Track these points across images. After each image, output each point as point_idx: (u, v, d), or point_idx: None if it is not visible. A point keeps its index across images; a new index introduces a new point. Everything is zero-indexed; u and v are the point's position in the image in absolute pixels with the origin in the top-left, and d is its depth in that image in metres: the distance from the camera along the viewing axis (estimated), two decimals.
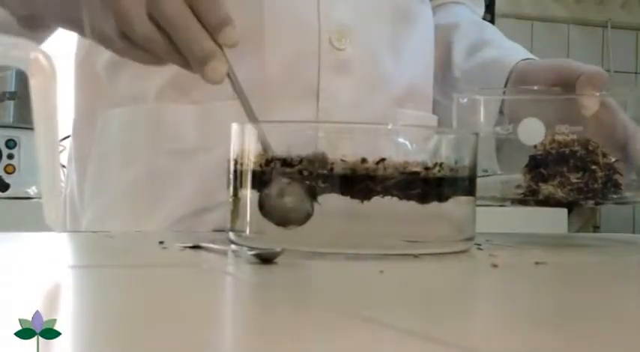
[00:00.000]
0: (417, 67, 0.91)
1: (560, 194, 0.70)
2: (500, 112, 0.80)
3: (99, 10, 0.58)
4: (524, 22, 2.50)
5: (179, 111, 0.81)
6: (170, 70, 0.80)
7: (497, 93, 0.83)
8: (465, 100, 0.78)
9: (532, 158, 0.72)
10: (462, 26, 0.98)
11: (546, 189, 0.70)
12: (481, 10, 1.07)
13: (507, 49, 0.93)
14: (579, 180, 0.70)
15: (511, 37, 0.99)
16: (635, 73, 2.66)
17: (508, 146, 0.75)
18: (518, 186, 0.72)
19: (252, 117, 0.62)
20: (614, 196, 0.71)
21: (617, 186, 0.71)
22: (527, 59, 0.88)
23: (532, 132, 0.72)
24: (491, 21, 2.13)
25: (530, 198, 0.71)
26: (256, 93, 0.79)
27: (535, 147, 0.72)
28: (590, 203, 0.73)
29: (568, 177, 0.70)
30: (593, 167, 0.70)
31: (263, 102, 0.79)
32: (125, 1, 0.57)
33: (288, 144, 0.58)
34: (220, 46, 0.60)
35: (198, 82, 0.81)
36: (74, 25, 0.62)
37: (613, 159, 0.71)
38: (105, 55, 0.84)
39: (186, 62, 0.60)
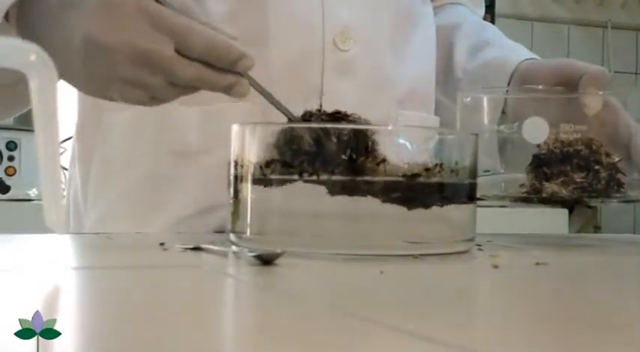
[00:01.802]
0: (419, 68, 0.91)
1: (564, 193, 0.70)
2: (503, 112, 0.80)
3: (128, 88, 0.64)
4: (525, 22, 2.50)
5: (183, 113, 0.81)
6: None
7: (501, 92, 0.83)
8: (469, 99, 0.78)
9: (536, 157, 0.72)
10: (463, 27, 0.98)
11: (550, 187, 0.70)
12: (481, 10, 1.07)
13: (510, 49, 0.93)
14: (583, 180, 0.70)
15: (511, 38, 0.99)
16: (636, 73, 2.66)
17: (511, 145, 0.76)
18: (522, 185, 0.72)
19: (287, 113, 0.66)
20: (617, 195, 0.71)
21: (620, 185, 0.71)
22: (530, 59, 0.88)
23: (536, 131, 0.73)
24: (492, 21, 2.13)
25: (534, 196, 0.71)
26: (259, 94, 0.79)
27: (539, 146, 0.72)
28: (594, 202, 0.73)
29: (572, 177, 0.70)
30: (597, 166, 0.70)
31: (266, 103, 0.79)
32: (147, 81, 0.63)
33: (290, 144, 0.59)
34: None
35: None
36: (106, 98, 0.67)
37: (616, 159, 0.71)
38: None
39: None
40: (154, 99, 0.65)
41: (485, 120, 0.77)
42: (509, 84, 0.87)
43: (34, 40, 0.68)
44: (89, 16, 0.63)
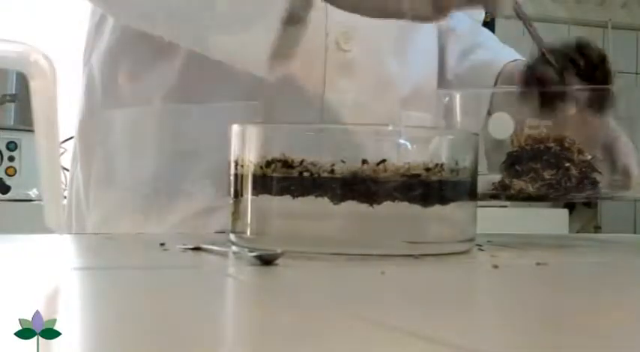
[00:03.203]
0: (421, 68, 0.91)
1: (530, 189, 0.70)
2: (489, 113, 0.80)
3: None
4: None
5: (185, 112, 0.81)
6: (175, 72, 0.80)
7: (477, 90, 0.84)
8: (447, 99, 0.78)
9: (509, 155, 0.72)
10: (455, 30, 0.99)
11: (518, 184, 0.70)
12: (480, 15, 1.07)
13: (498, 52, 0.94)
14: (552, 177, 0.70)
15: (511, 38, 0.99)
16: (636, 73, 2.66)
17: (493, 145, 0.76)
18: (493, 184, 0.72)
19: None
20: (590, 192, 0.71)
21: (594, 183, 0.71)
22: (516, 60, 0.89)
23: (501, 126, 0.73)
24: (492, 22, 2.13)
25: (501, 193, 0.71)
26: (263, 94, 0.79)
27: (512, 143, 0.72)
28: (563, 198, 0.73)
29: (541, 174, 0.70)
30: (567, 164, 0.70)
31: (269, 103, 0.79)
32: None
33: (290, 145, 0.59)
34: None
35: (203, 83, 0.82)
36: (387, 15, 0.66)
37: (589, 157, 0.71)
38: (109, 56, 0.85)
39: None
40: (437, 10, 0.64)
41: (466, 119, 0.77)
42: (496, 85, 0.87)
43: None
44: None
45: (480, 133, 0.76)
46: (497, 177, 0.73)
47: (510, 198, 0.72)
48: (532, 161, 0.70)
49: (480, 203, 0.63)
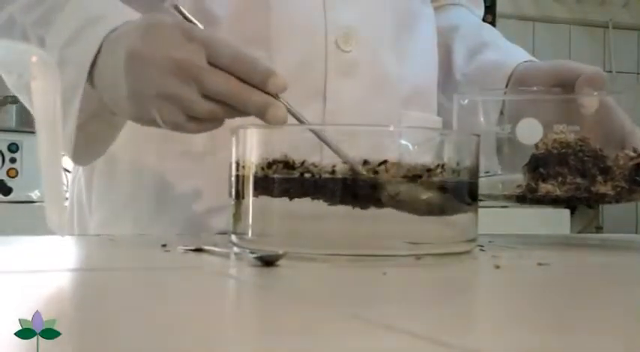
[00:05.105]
0: (421, 68, 0.91)
1: (558, 192, 0.70)
2: (501, 113, 0.80)
3: (164, 107, 0.66)
4: (526, 22, 2.50)
5: None
6: None
7: (498, 94, 0.83)
8: (466, 102, 0.78)
9: (533, 157, 0.72)
10: (461, 28, 0.99)
11: (545, 187, 0.70)
12: (480, 11, 1.07)
13: (507, 52, 0.94)
14: (579, 182, 0.70)
15: (512, 38, 0.99)
16: (637, 73, 2.65)
17: (508, 146, 0.76)
18: (519, 186, 0.72)
19: (327, 144, 0.61)
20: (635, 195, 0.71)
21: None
22: (528, 61, 0.89)
23: (530, 132, 0.73)
24: (493, 22, 2.13)
25: (528, 195, 0.71)
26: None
27: (537, 146, 0.72)
28: (590, 201, 0.73)
29: (570, 178, 0.70)
30: (593, 170, 0.70)
31: None
32: (181, 93, 0.65)
33: (291, 146, 0.59)
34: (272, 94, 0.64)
35: None
36: (148, 122, 0.69)
37: (609, 161, 0.71)
38: None
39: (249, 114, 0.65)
40: (191, 119, 0.66)
41: (483, 121, 0.77)
42: (507, 86, 0.87)
43: (98, 81, 0.71)
44: (130, 36, 0.67)
45: (492, 133, 0.76)
46: (514, 178, 0.73)
47: (537, 201, 0.72)
48: (558, 165, 0.70)
49: (480, 203, 0.63)
